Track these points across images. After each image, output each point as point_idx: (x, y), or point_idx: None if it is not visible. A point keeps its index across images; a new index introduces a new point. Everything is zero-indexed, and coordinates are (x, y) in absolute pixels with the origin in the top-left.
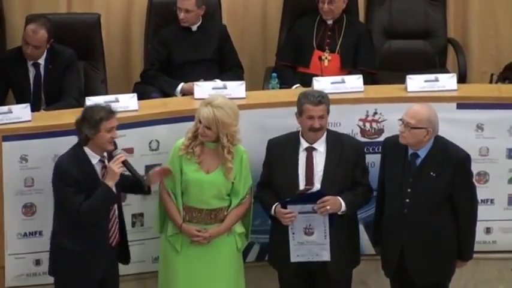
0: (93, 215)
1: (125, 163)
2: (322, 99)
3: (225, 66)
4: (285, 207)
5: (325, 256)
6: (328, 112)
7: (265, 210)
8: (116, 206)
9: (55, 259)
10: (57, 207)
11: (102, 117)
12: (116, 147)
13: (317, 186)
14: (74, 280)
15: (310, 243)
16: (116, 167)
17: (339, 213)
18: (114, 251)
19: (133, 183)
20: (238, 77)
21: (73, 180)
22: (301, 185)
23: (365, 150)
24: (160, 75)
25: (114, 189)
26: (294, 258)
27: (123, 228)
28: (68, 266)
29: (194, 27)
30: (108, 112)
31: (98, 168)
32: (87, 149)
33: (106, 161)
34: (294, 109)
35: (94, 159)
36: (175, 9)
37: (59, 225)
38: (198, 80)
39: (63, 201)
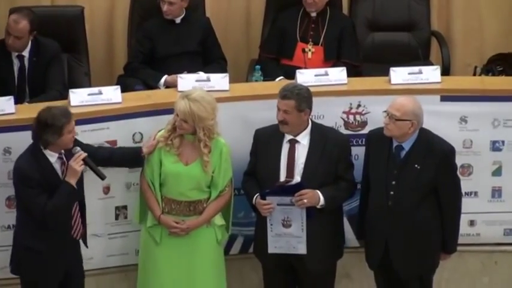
0: (58, 214)
1: (85, 160)
2: (289, 94)
3: (209, 58)
4: (264, 198)
5: (301, 249)
6: (300, 109)
7: (248, 200)
8: (77, 201)
9: (18, 258)
10: (19, 207)
11: (64, 123)
12: (74, 145)
13: (297, 178)
14: (38, 278)
15: (287, 235)
16: (77, 165)
17: (318, 207)
18: (77, 243)
19: (130, 159)
20: (222, 69)
21: (34, 182)
22: (282, 177)
23: (349, 144)
24: (144, 67)
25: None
26: (271, 249)
27: (85, 218)
28: (32, 264)
29: (178, 20)
30: (68, 115)
31: (57, 166)
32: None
33: (64, 158)
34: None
35: (52, 157)
36: (159, 1)
37: (22, 224)
38: (181, 72)
39: (26, 203)
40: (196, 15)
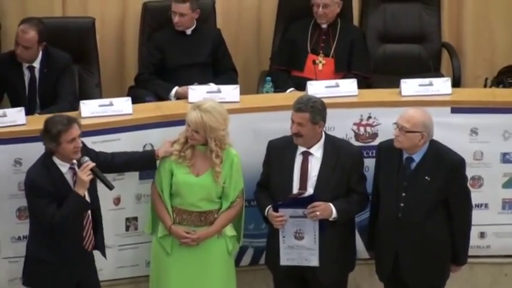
0: (67, 225)
1: (93, 170)
2: (303, 106)
3: (219, 69)
4: (277, 210)
5: (314, 261)
6: (314, 122)
7: (260, 211)
8: (89, 212)
9: (29, 269)
10: (31, 217)
11: (60, 130)
12: (82, 154)
13: (310, 191)
14: None
15: (300, 247)
16: (85, 175)
17: (330, 219)
18: (90, 255)
19: (145, 163)
20: (233, 81)
21: (45, 192)
22: (295, 189)
23: (362, 157)
24: (155, 78)
25: (87, 195)
26: (283, 261)
27: (99, 229)
28: (43, 276)
29: (188, 31)
30: (66, 124)
31: (69, 176)
32: (55, 159)
33: (76, 168)
34: (288, 113)
35: (63, 167)
36: (170, 13)
37: (33, 235)
38: (192, 83)
39: (36, 213)
40: (207, 27)
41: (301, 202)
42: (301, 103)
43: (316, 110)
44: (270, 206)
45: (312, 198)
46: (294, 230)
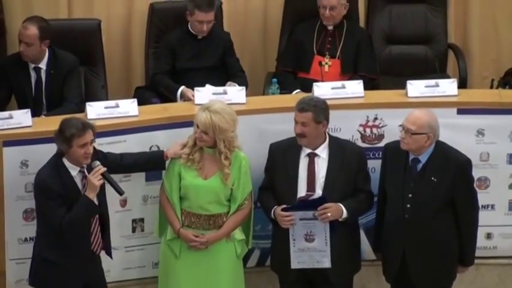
0: (75, 228)
1: (104, 175)
2: (306, 106)
3: (229, 72)
4: None
5: (326, 263)
6: (318, 121)
7: (266, 214)
8: (97, 216)
9: (36, 270)
10: (39, 218)
11: (73, 134)
12: (94, 159)
13: (319, 192)
14: None
15: (310, 249)
16: (96, 180)
17: (340, 220)
18: (97, 256)
19: (154, 163)
20: (245, 82)
21: (54, 194)
22: (302, 191)
23: (365, 155)
24: (166, 78)
25: (95, 199)
26: (294, 265)
27: (106, 232)
28: (49, 277)
29: (200, 35)
30: (81, 129)
31: (78, 179)
32: (65, 161)
33: (86, 172)
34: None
35: (73, 170)
36: (189, 18)
37: (41, 236)
38: (199, 86)
39: (45, 215)
40: (217, 30)
41: (311, 204)
42: (304, 103)
43: (319, 109)
44: (276, 207)
45: (321, 200)
46: (305, 232)
